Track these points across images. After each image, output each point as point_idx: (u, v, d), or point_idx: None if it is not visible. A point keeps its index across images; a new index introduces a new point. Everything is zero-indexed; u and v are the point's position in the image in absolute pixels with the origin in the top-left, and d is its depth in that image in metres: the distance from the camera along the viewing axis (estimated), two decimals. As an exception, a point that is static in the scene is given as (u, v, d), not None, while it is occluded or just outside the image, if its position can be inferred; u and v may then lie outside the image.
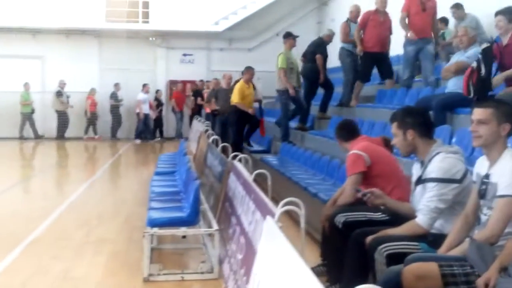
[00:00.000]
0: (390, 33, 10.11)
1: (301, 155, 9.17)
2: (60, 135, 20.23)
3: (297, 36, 10.70)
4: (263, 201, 4.20)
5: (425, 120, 3.86)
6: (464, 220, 3.41)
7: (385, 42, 10.02)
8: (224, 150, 8.01)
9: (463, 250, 3.14)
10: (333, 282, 4.38)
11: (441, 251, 3.35)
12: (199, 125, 14.29)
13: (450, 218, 3.63)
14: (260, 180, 6.02)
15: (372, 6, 10.40)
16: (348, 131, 5.24)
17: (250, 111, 11.10)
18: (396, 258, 3.40)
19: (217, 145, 8.51)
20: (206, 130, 11.17)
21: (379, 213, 4.40)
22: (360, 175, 4.75)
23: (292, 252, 2.73)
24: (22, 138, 20.15)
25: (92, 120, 20.57)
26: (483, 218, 3.26)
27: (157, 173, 8.38)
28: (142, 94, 19.72)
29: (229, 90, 12.36)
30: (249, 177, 5.27)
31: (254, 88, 12.86)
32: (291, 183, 7.61)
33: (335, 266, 4.41)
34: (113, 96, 20.45)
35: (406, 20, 9.04)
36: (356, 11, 10.86)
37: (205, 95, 16.96)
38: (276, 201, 4.16)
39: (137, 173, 12.99)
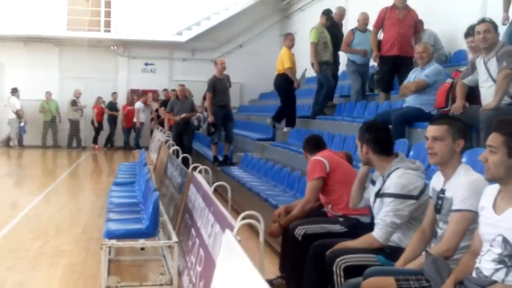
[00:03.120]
0: (416, 31, 8.74)
1: (262, 166, 9.19)
2: (69, 144, 20.20)
3: (331, 17, 10.57)
4: (223, 213, 4.19)
5: (380, 138, 3.89)
6: (421, 234, 3.47)
7: (406, 43, 8.52)
8: (184, 161, 7.96)
9: (420, 264, 3.19)
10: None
11: (398, 264, 3.40)
12: (159, 135, 14.19)
13: (408, 232, 3.70)
14: (221, 190, 6.01)
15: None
16: (315, 144, 5.30)
17: (296, 84, 10.58)
18: (354, 271, 3.46)
19: (177, 156, 8.46)
20: (167, 140, 11.10)
21: (338, 225, 4.49)
22: (320, 180, 4.82)
23: (250, 266, 2.72)
24: (44, 146, 20.06)
25: (98, 129, 20.36)
26: (439, 232, 3.33)
27: (116, 184, 8.25)
28: (139, 103, 19.52)
29: (186, 103, 12.70)
30: (209, 189, 5.24)
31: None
32: (252, 195, 7.62)
33: (294, 278, 4.43)
34: (111, 105, 20.26)
35: None
36: (363, 19, 10.04)
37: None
38: (236, 212, 4.17)
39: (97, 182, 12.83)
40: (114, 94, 20.51)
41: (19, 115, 19.60)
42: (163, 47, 20.98)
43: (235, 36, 21.15)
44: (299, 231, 4.42)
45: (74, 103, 20.04)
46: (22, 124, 19.72)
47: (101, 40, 20.70)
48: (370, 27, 9.69)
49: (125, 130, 20.30)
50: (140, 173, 8.27)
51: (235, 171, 9.84)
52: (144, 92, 20.54)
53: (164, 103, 16.61)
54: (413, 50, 8.15)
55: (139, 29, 20.17)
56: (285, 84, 10.71)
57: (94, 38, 20.40)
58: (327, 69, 10.27)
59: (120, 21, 20.75)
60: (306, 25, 15.97)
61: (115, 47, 21.05)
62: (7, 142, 19.96)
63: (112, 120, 20.36)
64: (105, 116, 20.37)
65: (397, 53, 8.42)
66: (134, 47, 21.07)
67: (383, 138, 3.92)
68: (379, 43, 8.79)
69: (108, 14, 21.00)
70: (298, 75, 11.50)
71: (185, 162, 7.76)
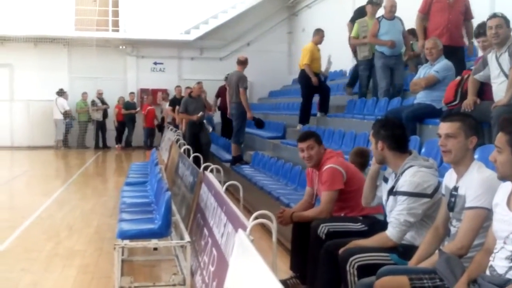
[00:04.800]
0: (467, 18, 7.90)
1: (273, 164, 9.19)
2: (96, 144, 20.40)
3: (379, 4, 9.89)
4: (235, 213, 4.19)
5: (397, 135, 3.86)
6: (434, 232, 3.46)
7: (456, 31, 7.73)
8: (195, 160, 7.98)
9: (434, 262, 3.18)
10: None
11: (412, 263, 3.39)
12: (170, 134, 14.22)
13: (421, 230, 3.69)
14: (232, 189, 6.02)
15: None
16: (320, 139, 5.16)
17: (314, 80, 10.33)
18: (367, 270, 3.45)
19: (188, 155, 8.48)
20: (177, 140, 11.12)
21: (358, 224, 4.50)
22: (337, 192, 4.78)
23: (264, 267, 2.73)
24: (84, 147, 20.31)
25: (119, 129, 20.45)
26: (453, 230, 3.32)
27: (128, 184, 8.29)
28: (165, 103, 19.42)
29: (200, 101, 12.46)
30: (221, 189, 5.26)
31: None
32: (263, 193, 7.62)
33: (314, 278, 4.42)
34: (127, 105, 20.29)
35: None
36: (390, 6, 8.99)
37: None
38: (248, 211, 4.17)
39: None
40: (132, 94, 20.55)
41: (68, 115, 19.94)
42: (172, 46, 21.02)
43: (243, 34, 21.16)
44: (323, 229, 4.41)
45: (93, 103, 20.24)
46: (67, 120, 20.06)
47: (109, 39, 20.77)
48: (398, 14, 9.11)
49: (146, 130, 20.12)
50: (151, 173, 8.29)
51: (246, 170, 9.84)
52: (154, 92, 20.57)
53: (173, 102, 16.33)
54: (463, 39, 7.74)
55: (147, 28, 20.21)
56: (303, 80, 10.64)
57: (102, 37, 20.48)
58: (364, 69, 9.78)
59: (128, 20, 20.83)
60: (314, 22, 15.99)
61: (124, 47, 21.11)
62: (64, 143, 20.26)
63: (130, 120, 20.35)
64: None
65: (447, 43, 7.37)
66: (142, 46, 21.12)
67: (400, 134, 3.88)
68: (424, 31, 7.95)
69: (115, 13, 21.06)
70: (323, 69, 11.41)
71: (196, 161, 7.78)
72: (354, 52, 10.31)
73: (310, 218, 4.75)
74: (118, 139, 20.57)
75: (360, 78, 10.02)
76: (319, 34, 10.81)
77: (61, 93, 19.93)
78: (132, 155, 18.58)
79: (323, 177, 4.86)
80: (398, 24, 9.08)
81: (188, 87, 15.92)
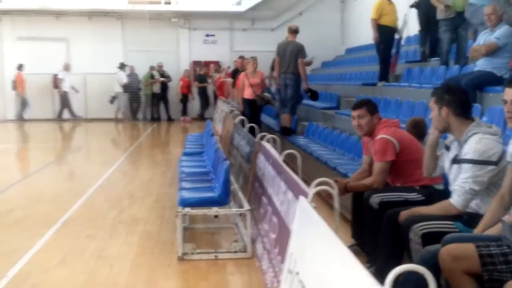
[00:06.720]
0: None
1: (328, 135, 9.16)
2: (157, 117, 20.86)
3: None
4: (295, 181, 4.23)
5: (462, 99, 3.78)
6: (500, 200, 3.41)
7: None
8: (251, 130, 8.04)
9: (499, 230, 3.15)
10: (372, 263, 4.40)
11: (477, 230, 3.36)
12: (224, 106, 14.32)
13: (486, 198, 3.63)
14: (287, 160, 6.07)
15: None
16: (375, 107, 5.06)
17: (374, 36, 10.02)
18: (431, 237, 3.44)
19: (243, 126, 8.56)
20: (231, 111, 11.20)
21: (415, 193, 4.45)
22: (389, 163, 4.73)
23: (328, 232, 2.78)
24: (154, 119, 20.83)
25: (183, 101, 20.74)
26: (519, 198, 3.28)
27: (185, 154, 8.49)
28: (216, 75, 19.50)
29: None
30: (279, 158, 5.30)
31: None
32: (320, 163, 7.64)
33: (370, 246, 4.45)
34: (201, 78, 20.52)
35: None
36: None
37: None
38: (305, 181, 4.20)
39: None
40: (204, 67, 20.66)
41: (128, 88, 20.47)
42: (223, 18, 21.06)
43: (295, 4, 20.99)
44: (374, 199, 4.41)
45: (151, 76, 20.57)
46: (126, 93, 20.59)
47: (162, 12, 20.96)
48: None
49: None
50: (208, 143, 8.43)
51: (301, 140, 9.85)
52: (206, 64, 20.68)
53: (234, 73, 15.82)
54: None
55: (199, 0, 20.27)
56: (379, 36, 10.24)
57: (154, 10, 20.69)
58: (445, 31, 8.67)
59: (180, -8, 20.97)
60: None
61: (176, 19, 21.26)
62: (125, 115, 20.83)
63: (203, 92, 20.56)
64: (195, 89, 20.69)
65: None
66: (194, 18, 21.24)
67: (465, 99, 3.80)
68: None
69: (168, -14, 21.23)
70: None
71: (251, 132, 7.86)
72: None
73: (363, 188, 4.74)
74: (184, 112, 20.74)
75: (441, 43, 8.99)
76: None
77: (121, 66, 20.34)
78: (190, 127, 18.80)
79: (375, 148, 4.83)
80: None
81: (241, 57, 15.67)
